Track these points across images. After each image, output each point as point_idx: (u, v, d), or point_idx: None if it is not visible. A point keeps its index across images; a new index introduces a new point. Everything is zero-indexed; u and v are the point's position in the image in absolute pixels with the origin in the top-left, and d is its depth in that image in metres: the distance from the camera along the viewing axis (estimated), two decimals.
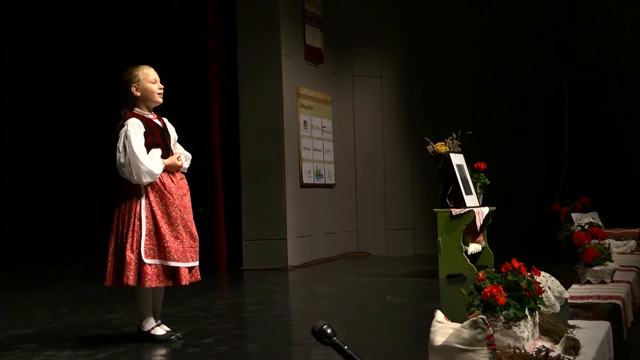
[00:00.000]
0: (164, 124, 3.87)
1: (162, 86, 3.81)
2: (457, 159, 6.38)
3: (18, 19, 9.15)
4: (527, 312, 2.55)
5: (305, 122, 7.94)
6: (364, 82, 8.97)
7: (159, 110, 3.90)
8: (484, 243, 6.63)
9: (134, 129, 3.68)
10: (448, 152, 6.24)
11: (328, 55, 8.53)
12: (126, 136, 3.65)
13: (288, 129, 7.56)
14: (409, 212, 8.98)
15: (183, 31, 8.41)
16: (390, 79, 9.06)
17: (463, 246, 6.10)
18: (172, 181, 3.75)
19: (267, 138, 7.45)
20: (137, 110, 3.78)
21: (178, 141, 3.94)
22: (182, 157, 3.86)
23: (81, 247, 8.97)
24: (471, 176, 6.56)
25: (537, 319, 2.70)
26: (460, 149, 6.46)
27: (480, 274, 2.71)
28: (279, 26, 7.49)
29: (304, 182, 7.83)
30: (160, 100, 3.80)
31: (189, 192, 3.81)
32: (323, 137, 8.35)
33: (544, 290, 2.93)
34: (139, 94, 3.76)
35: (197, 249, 3.75)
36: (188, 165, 3.90)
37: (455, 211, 6.07)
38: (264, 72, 7.49)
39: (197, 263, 3.75)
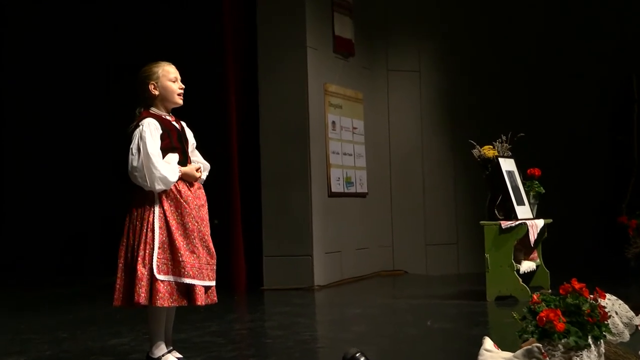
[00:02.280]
0: (182, 128, 3.92)
1: (183, 86, 3.87)
2: (508, 165, 6.34)
3: (18, 14, 9.32)
4: (590, 340, 2.52)
5: (333, 122, 7.96)
6: (401, 78, 8.96)
7: (176, 113, 3.95)
8: (538, 260, 6.58)
9: (150, 130, 3.72)
10: (497, 157, 6.22)
11: (360, 47, 8.53)
12: (141, 137, 3.70)
13: (314, 130, 7.58)
14: (452, 225, 8.95)
15: (195, 21, 8.47)
16: (430, 74, 9.04)
17: (514, 264, 6.06)
18: (189, 190, 3.79)
19: (290, 141, 7.48)
20: (154, 110, 3.84)
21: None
22: (201, 167, 3.91)
23: (79, 264, 9.03)
24: (523, 184, 6.52)
25: (602, 349, 2.66)
26: (510, 153, 6.43)
27: (535, 296, 2.68)
28: (304, 14, 7.52)
29: (333, 190, 7.84)
30: (180, 101, 3.85)
31: (207, 204, 3.85)
32: (354, 140, 8.36)
33: (610, 315, 2.89)
34: (157, 92, 3.81)
35: (215, 268, 3.78)
36: (206, 177, 3.95)
37: (505, 224, 6.03)
38: (287, 66, 7.52)
39: (213, 283, 3.77)
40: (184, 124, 3.96)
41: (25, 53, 9.31)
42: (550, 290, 6.27)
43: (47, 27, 9.20)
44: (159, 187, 3.69)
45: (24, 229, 9.34)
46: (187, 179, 3.80)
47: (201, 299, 3.70)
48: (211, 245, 3.79)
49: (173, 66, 3.89)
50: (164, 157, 3.74)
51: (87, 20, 9.12)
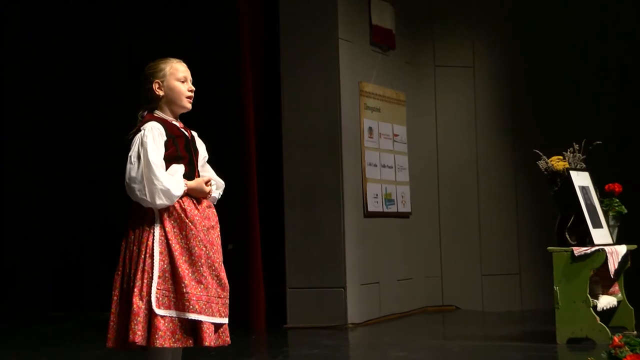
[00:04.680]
0: (192, 136, 3.94)
1: (193, 88, 3.90)
2: (581, 179, 6.29)
3: (19, 11, 9.54)
4: None
5: (370, 129, 7.96)
6: (451, 75, 8.95)
7: (184, 119, 3.97)
8: (620, 295, 6.51)
9: (153, 135, 3.73)
10: (568, 170, 6.17)
11: (402, 39, 8.53)
12: (141, 143, 3.71)
13: (347, 138, 7.58)
14: (513, 252, 8.89)
15: (206, 11, 8.52)
16: (486, 70, 9.02)
17: (590, 299, 5.99)
18: (196, 208, 3.79)
19: (319, 151, 7.50)
20: (158, 113, 3.86)
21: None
22: (212, 182, 3.92)
23: (74, 294, 9.09)
24: (600, 202, 6.45)
25: None
26: (585, 165, 6.38)
27: (617, 339, 2.62)
28: (336, 1, 7.55)
29: (370, 209, 7.83)
30: (189, 105, 3.88)
31: (218, 225, 3.85)
32: (395, 150, 8.36)
33: None
34: (162, 93, 3.85)
35: (227, 302, 3.78)
36: (219, 197, 3.97)
37: (579, 250, 5.97)
38: (315, 62, 7.54)
39: (225, 320, 3.76)
40: (195, 134, 3.98)
41: (23, 58, 9.53)
42: (635, 332, 6.19)
43: (47, 27, 9.42)
44: (161, 202, 3.68)
45: (11, 250, 9.46)
46: (194, 195, 3.80)
47: (210, 339, 3.67)
48: (223, 274, 3.77)
49: (184, 64, 3.90)
50: (167, 167, 3.74)
51: (86, 20, 9.31)
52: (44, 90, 9.39)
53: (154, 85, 3.83)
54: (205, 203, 3.83)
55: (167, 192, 3.67)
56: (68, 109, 9.29)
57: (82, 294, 9.02)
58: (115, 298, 3.71)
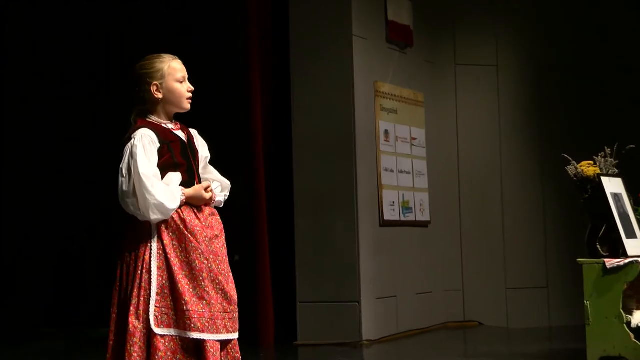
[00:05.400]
0: (190, 137, 3.90)
1: (192, 88, 3.88)
2: (613, 186, 6.23)
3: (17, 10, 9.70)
4: None
5: (386, 131, 7.95)
6: (473, 75, 8.95)
7: (183, 119, 3.95)
8: None
9: (143, 144, 3.70)
10: (599, 176, 6.11)
11: (420, 35, 8.54)
12: (131, 154, 3.68)
13: (362, 142, 7.58)
14: (540, 263, 8.87)
15: (211, 5, 8.52)
16: (511, 69, 9.02)
17: (624, 315, 5.92)
18: (197, 217, 3.75)
19: (331, 155, 7.50)
20: (152, 118, 3.82)
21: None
22: (215, 185, 3.90)
23: (69, 308, 9.08)
24: (634, 211, 6.39)
25: None
26: (617, 171, 6.32)
27: None
28: None
29: (386, 218, 7.82)
30: (189, 107, 3.86)
31: (224, 234, 3.82)
32: (413, 154, 8.34)
33: None
34: (160, 96, 3.81)
35: (236, 316, 3.76)
36: (225, 198, 3.95)
37: (611, 262, 5.91)
38: (328, 60, 7.55)
39: (234, 336, 3.74)
40: (193, 132, 3.94)
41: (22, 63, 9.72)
42: None
43: (47, 27, 9.69)
44: (155, 216, 3.65)
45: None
46: (194, 203, 3.76)
47: (215, 358, 3.65)
48: (230, 286, 3.74)
49: (180, 61, 3.87)
50: (163, 177, 3.71)
51: (86, 20, 9.47)
52: (44, 90, 9.57)
53: (152, 88, 3.78)
54: (207, 211, 3.80)
55: (160, 207, 3.64)
56: (68, 109, 9.45)
57: (82, 294, 9.08)
58: (114, 315, 3.72)
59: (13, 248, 9.47)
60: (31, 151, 9.51)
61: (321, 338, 7.29)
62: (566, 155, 6.23)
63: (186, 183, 3.76)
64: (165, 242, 3.68)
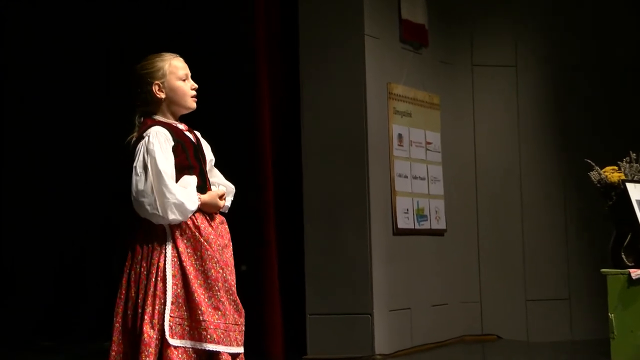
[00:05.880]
0: (197, 140, 3.92)
1: (196, 85, 3.90)
2: (639, 192, 6.15)
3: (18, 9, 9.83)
4: None
5: (400, 135, 7.95)
6: (491, 76, 8.96)
7: (187, 120, 3.95)
8: None
9: (159, 141, 3.71)
10: (624, 182, 6.06)
11: (435, 35, 8.55)
12: (147, 151, 3.68)
13: (374, 146, 7.58)
14: (562, 274, 8.86)
15: (216, 3, 8.53)
16: (531, 70, 9.02)
17: None
18: (210, 225, 3.77)
19: (342, 160, 7.51)
20: (159, 117, 3.83)
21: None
22: (222, 190, 3.91)
23: (67, 319, 9.07)
24: None
25: None
26: None
27: None
28: None
29: (399, 226, 7.82)
30: (194, 105, 3.88)
31: (231, 244, 3.85)
32: (428, 159, 8.34)
33: None
34: (163, 95, 3.82)
35: (243, 329, 3.78)
36: (229, 204, 3.96)
37: (637, 273, 5.86)
38: (339, 61, 7.57)
39: (242, 349, 3.76)
40: (198, 134, 3.96)
41: (20, 63, 9.92)
42: None
43: (47, 27, 9.92)
44: (174, 217, 3.64)
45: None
46: (206, 210, 3.77)
47: None
48: (238, 299, 3.78)
49: (181, 59, 3.89)
50: (177, 179, 3.71)
51: (87, 20, 9.63)
52: (44, 90, 9.69)
53: (153, 88, 3.81)
54: (218, 219, 3.83)
55: (180, 207, 3.64)
56: (68, 109, 9.56)
57: (82, 294, 9.10)
58: (117, 325, 3.73)
59: (13, 248, 9.56)
60: (31, 151, 9.64)
61: (332, 352, 7.29)
62: (589, 161, 6.18)
63: (200, 187, 3.78)
64: (180, 249, 3.70)
